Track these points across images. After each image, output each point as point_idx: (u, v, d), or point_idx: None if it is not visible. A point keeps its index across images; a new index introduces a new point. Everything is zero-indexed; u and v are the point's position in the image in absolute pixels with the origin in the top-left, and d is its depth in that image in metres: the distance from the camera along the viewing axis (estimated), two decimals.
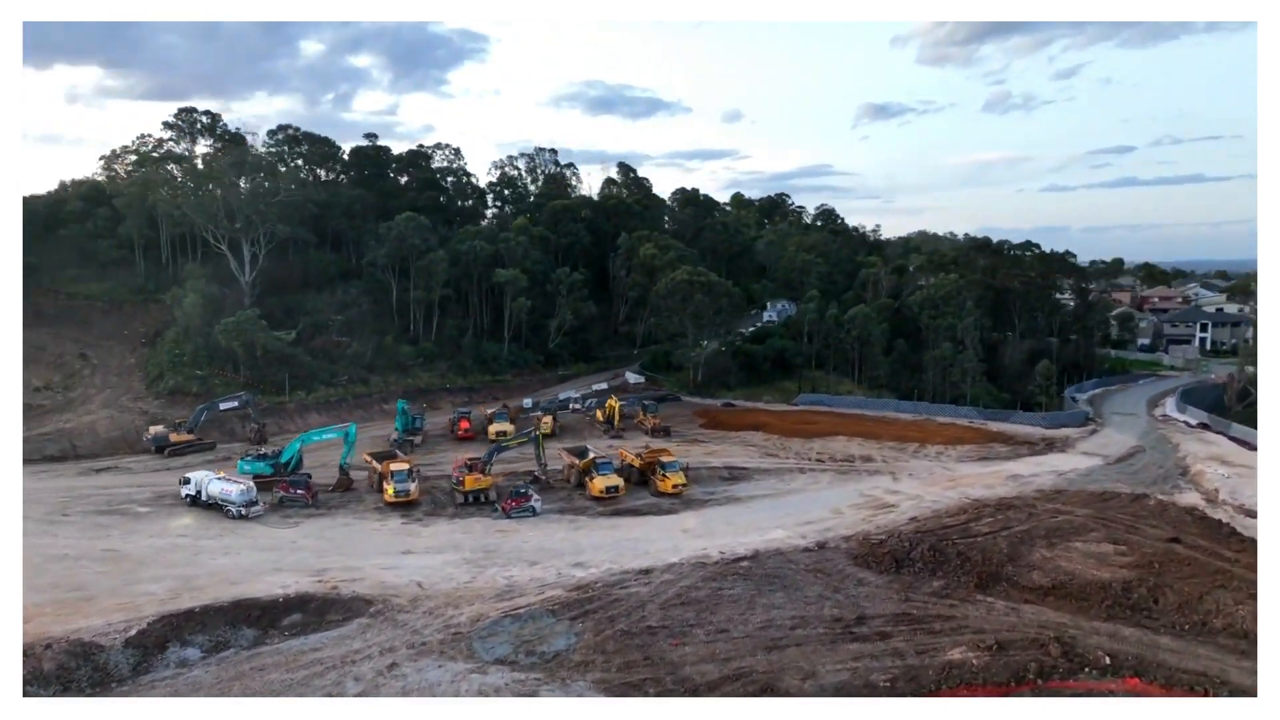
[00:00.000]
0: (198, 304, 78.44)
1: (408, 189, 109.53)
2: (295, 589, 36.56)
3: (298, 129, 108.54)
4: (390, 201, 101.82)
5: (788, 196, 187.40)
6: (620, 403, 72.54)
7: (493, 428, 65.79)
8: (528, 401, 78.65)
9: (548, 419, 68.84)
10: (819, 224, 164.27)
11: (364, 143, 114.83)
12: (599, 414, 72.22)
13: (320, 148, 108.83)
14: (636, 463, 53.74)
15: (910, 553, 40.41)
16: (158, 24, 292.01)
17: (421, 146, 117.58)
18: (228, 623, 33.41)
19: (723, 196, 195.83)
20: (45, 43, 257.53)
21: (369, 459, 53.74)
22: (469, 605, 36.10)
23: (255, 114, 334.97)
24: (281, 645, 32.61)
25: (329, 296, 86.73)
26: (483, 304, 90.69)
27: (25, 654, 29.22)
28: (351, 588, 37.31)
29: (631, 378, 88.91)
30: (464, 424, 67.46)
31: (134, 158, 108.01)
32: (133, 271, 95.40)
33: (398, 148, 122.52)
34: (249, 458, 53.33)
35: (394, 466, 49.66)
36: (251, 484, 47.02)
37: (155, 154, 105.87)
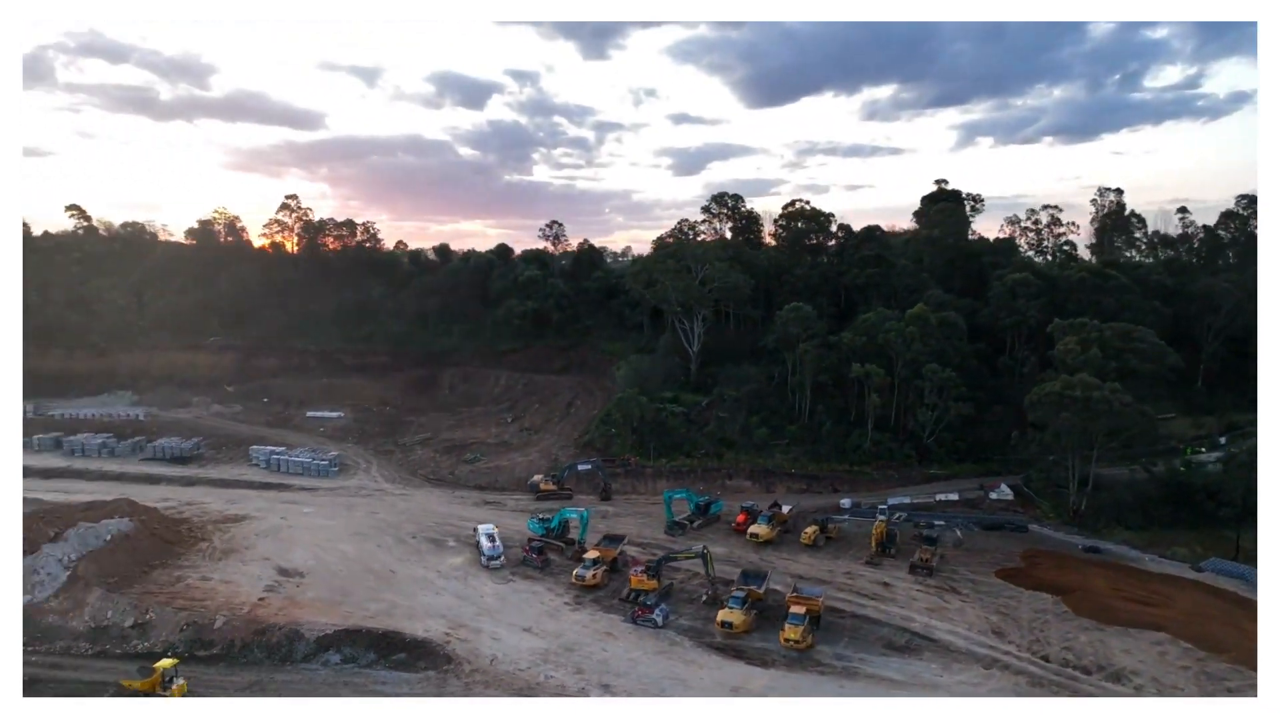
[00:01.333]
0: (628, 373, 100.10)
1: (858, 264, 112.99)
2: (424, 634, 51.50)
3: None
4: (841, 276, 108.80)
5: None
6: (887, 524, 67.87)
7: (752, 527, 69.56)
8: (846, 502, 77.89)
9: (811, 529, 68.89)
10: None
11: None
12: (875, 530, 68.32)
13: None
14: (757, 595, 54.08)
15: None
16: (949, 33, 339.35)
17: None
18: (367, 645, 50.30)
19: None
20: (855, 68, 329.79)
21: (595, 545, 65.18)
22: (496, 690, 45.83)
23: (1032, 106, 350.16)
24: (374, 671, 48.04)
25: (742, 368, 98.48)
26: (858, 391, 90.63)
27: (260, 628, 50.99)
28: (455, 645, 50.58)
29: (995, 494, 77.89)
30: (742, 517, 72.55)
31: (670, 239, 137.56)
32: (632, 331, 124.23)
33: None
34: (535, 519, 70.34)
35: (586, 554, 60.52)
36: (498, 542, 63.78)
37: (689, 234, 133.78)
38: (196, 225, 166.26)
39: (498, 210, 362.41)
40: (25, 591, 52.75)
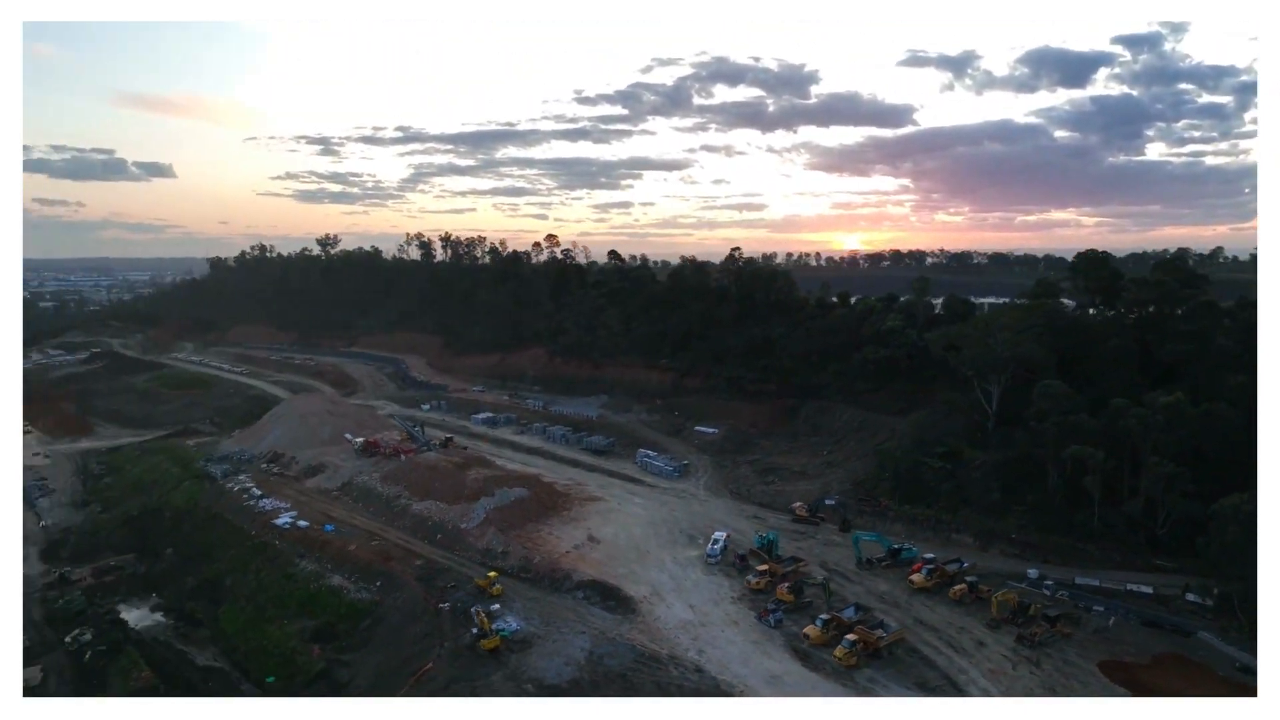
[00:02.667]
0: (914, 423, 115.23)
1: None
2: (632, 593, 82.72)
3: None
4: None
5: None
6: (1019, 596, 76.27)
7: (912, 575, 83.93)
8: (1032, 572, 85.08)
9: (960, 588, 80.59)
10: None
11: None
12: (1001, 596, 77.04)
13: None
14: (839, 620, 71.99)
15: None
16: None
17: None
18: (598, 592, 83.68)
19: None
20: None
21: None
22: (642, 635, 75.18)
23: None
24: (593, 608, 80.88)
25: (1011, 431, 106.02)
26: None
27: (554, 568, 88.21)
28: (644, 605, 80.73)
29: (1192, 597, 76.31)
30: (917, 566, 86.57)
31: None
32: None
33: None
34: (759, 535, 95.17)
35: (759, 566, 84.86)
36: (719, 546, 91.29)
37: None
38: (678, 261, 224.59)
39: (1098, 196, 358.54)
40: (462, 521, 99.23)
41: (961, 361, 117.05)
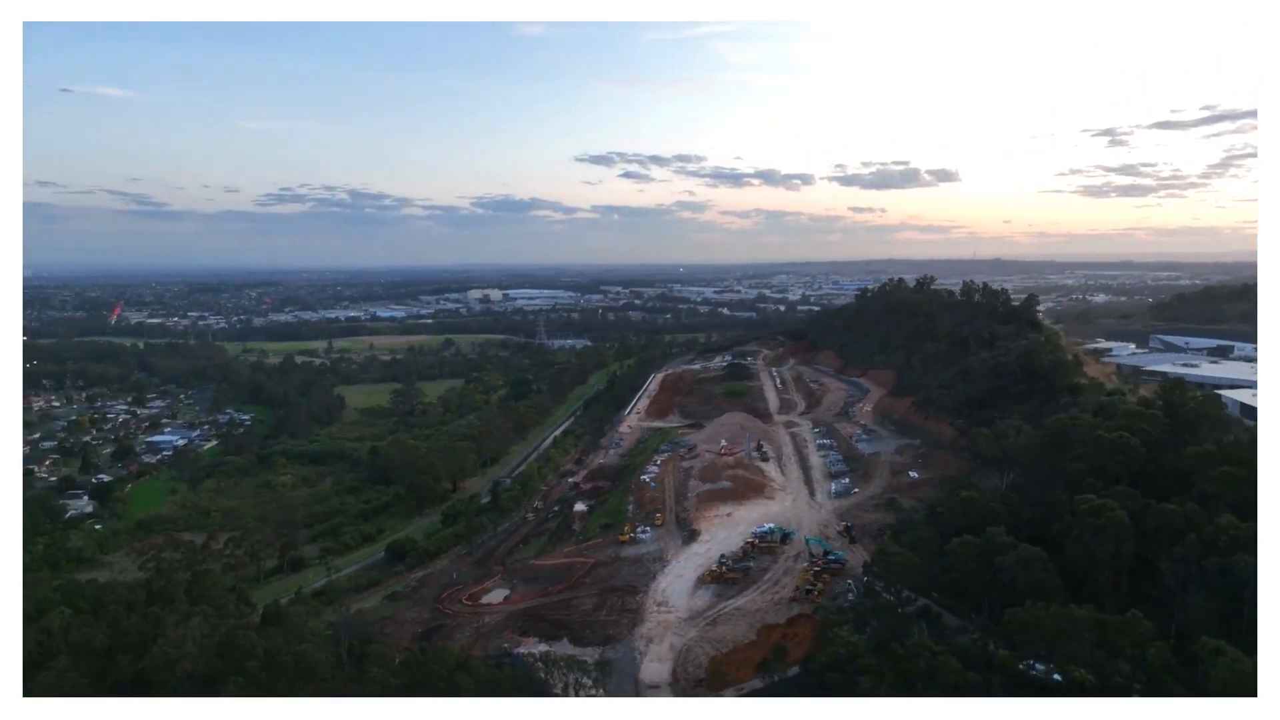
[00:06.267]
0: None
1: None
2: (697, 528, 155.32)
3: None
4: None
5: None
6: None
7: None
8: None
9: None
10: None
11: None
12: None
13: None
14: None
15: None
16: None
17: None
18: (689, 533, 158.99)
19: None
20: None
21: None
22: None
23: None
24: (675, 537, 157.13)
25: None
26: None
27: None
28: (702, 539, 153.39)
29: None
30: None
31: None
32: None
33: None
34: (818, 538, 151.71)
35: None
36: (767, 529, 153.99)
37: None
38: None
39: None
40: (690, 489, 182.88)
41: None
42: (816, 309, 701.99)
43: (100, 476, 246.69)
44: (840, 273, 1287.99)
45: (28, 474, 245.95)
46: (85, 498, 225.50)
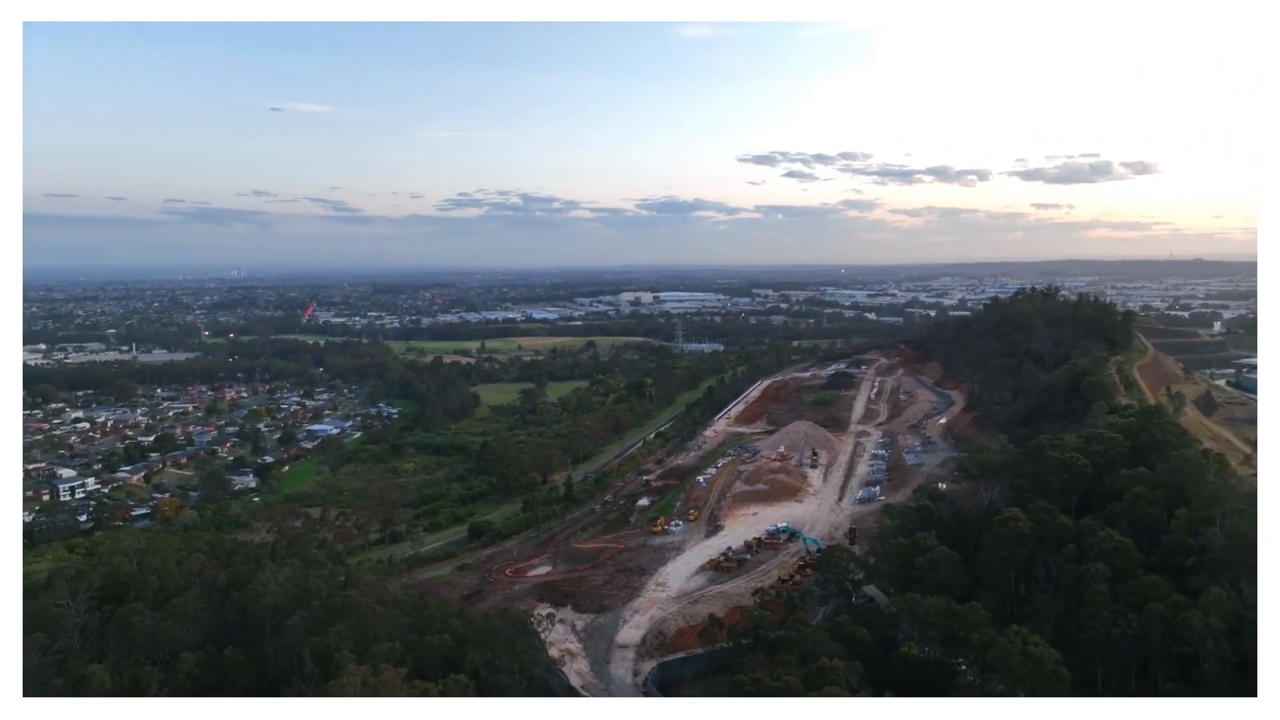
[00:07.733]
0: None
1: None
2: (722, 524, 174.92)
3: None
4: None
5: None
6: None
7: None
8: None
9: None
10: None
11: None
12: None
13: None
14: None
15: None
16: None
17: None
18: (712, 528, 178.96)
19: None
20: None
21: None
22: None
23: None
24: (700, 531, 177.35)
25: None
26: None
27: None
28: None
29: None
30: None
31: None
32: None
33: None
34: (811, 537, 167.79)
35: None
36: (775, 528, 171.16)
37: None
38: None
39: None
40: (730, 490, 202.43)
41: None
42: (966, 314, 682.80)
43: (265, 458, 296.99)
44: (1014, 274, 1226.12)
45: (212, 454, 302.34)
46: (250, 475, 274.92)
